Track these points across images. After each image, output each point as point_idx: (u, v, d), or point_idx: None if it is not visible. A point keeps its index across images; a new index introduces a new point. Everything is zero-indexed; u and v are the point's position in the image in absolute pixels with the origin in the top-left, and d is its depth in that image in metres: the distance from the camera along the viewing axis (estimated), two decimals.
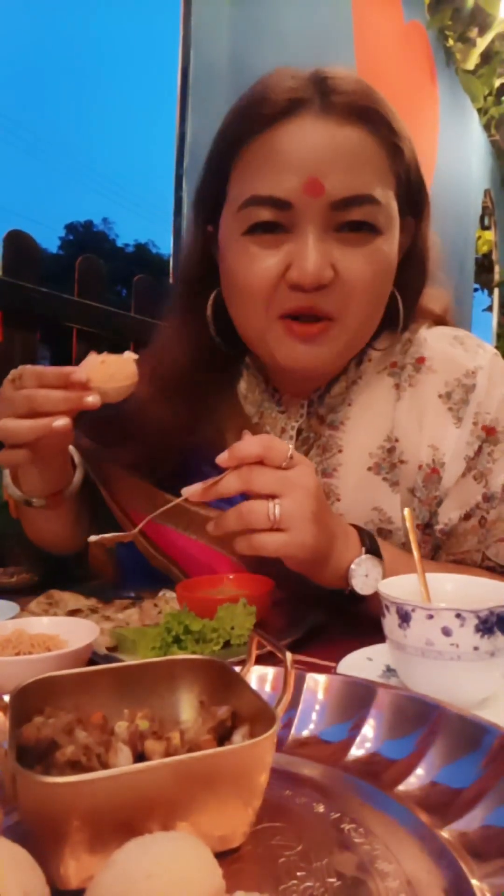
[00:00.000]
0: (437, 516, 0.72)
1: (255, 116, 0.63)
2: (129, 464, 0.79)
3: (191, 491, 0.58)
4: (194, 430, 0.76)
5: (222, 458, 0.57)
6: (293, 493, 0.56)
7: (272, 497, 0.56)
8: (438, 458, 0.70)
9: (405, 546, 0.72)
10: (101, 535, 0.58)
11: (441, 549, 0.74)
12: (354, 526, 0.65)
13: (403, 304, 0.71)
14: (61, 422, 0.62)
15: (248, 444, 0.57)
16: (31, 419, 0.62)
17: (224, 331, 0.73)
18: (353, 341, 0.68)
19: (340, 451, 0.73)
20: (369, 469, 0.72)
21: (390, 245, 0.65)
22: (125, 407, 0.68)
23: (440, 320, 0.79)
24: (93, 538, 0.57)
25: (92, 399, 0.62)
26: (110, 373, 0.64)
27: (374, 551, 0.63)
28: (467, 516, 0.72)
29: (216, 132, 0.69)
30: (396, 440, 0.71)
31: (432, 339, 0.74)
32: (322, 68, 0.65)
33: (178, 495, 0.60)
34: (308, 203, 0.61)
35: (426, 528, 0.73)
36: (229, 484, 0.57)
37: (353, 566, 0.61)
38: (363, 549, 0.63)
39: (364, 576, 0.62)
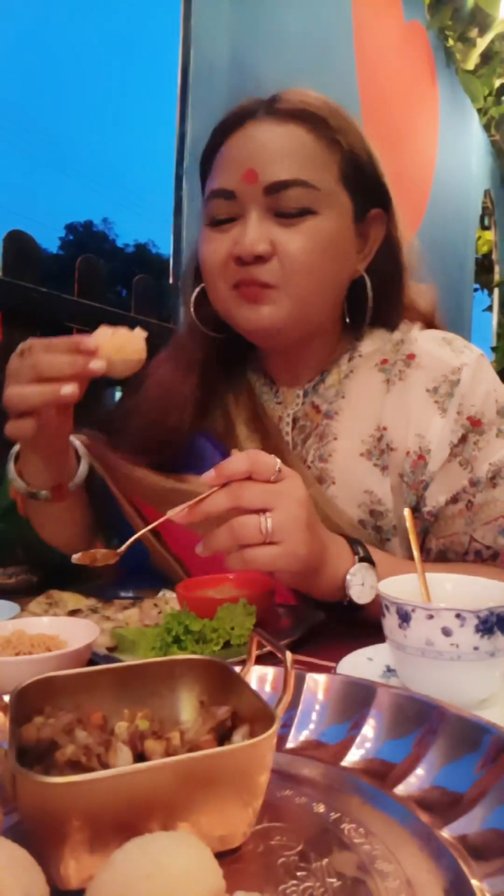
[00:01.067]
0: (425, 500, 0.75)
1: (218, 131, 0.76)
2: (144, 450, 0.81)
3: (175, 512, 0.56)
4: (204, 411, 0.82)
5: (209, 477, 0.55)
6: (284, 505, 0.55)
7: (263, 511, 0.55)
8: (424, 446, 0.75)
9: (396, 529, 0.76)
10: (83, 553, 0.55)
11: (430, 532, 0.77)
12: (343, 535, 0.65)
13: (385, 294, 0.79)
14: (68, 388, 0.63)
15: (236, 461, 0.56)
16: (38, 385, 0.64)
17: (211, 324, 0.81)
18: (301, 306, 0.73)
19: (335, 439, 0.78)
20: (361, 455, 0.77)
21: (330, 223, 0.72)
22: (145, 388, 0.81)
23: (427, 317, 0.84)
24: (76, 557, 0.55)
25: (97, 365, 0.63)
26: (119, 344, 0.64)
27: (366, 559, 0.63)
28: (454, 500, 0.75)
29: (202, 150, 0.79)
30: (385, 429, 0.76)
31: (422, 340, 0.79)
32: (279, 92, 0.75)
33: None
34: (247, 191, 0.71)
35: (415, 511, 0.76)
36: (218, 501, 0.55)
37: (348, 576, 0.62)
38: (356, 558, 0.63)
39: (360, 584, 0.62)
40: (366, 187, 0.75)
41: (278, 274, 0.70)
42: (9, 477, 0.77)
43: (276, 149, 0.70)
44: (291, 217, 0.70)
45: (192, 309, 0.81)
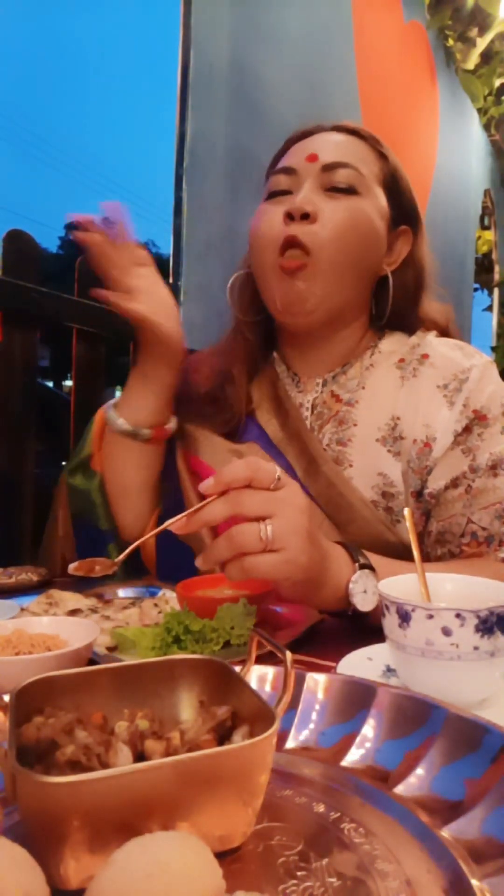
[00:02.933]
0: (427, 484, 0.81)
1: (290, 140, 0.89)
2: (208, 422, 0.90)
3: (173, 522, 0.55)
4: (249, 394, 0.91)
5: (207, 486, 0.55)
6: (284, 513, 0.55)
7: (262, 519, 0.55)
8: (430, 434, 0.80)
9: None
10: (81, 562, 0.55)
11: (431, 516, 0.82)
12: (341, 543, 0.65)
13: (403, 305, 0.88)
14: None
15: (236, 469, 0.55)
16: None
17: (250, 312, 0.91)
18: (329, 285, 0.80)
19: (355, 425, 0.84)
20: (377, 441, 0.83)
21: (367, 207, 0.82)
22: (208, 369, 0.93)
23: (444, 331, 0.92)
24: (73, 567, 0.55)
25: None
26: None
27: (366, 565, 0.63)
28: (454, 484, 0.79)
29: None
30: (398, 419, 0.82)
31: (437, 344, 0.87)
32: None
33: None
34: (307, 168, 0.82)
35: (418, 495, 0.81)
36: (216, 510, 0.55)
37: (351, 584, 0.62)
38: (356, 566, 0.63)
39: (363, 592, 0.62)
40: (400, 203, 0.86)
41: (315, 237, 0.78)
42: (108, 417, 0.86)
43: (338, 143, 0.84)
44: (338, 192, 0.80)
45: (236, 292, 0.91)
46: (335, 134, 0.86)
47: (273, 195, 0.84)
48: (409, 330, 0.90)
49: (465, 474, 0.79)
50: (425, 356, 0.85)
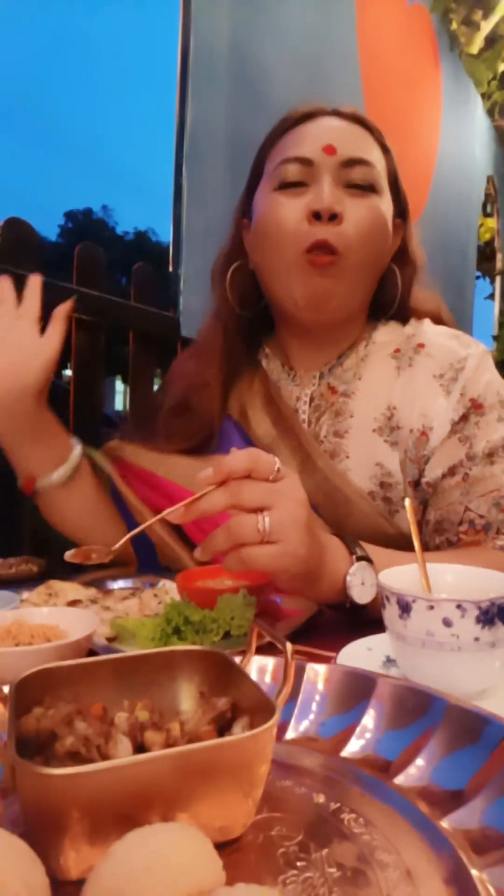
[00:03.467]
0: (425, 473, 0.81)
1: (286, 122, 0.84)
2: (178, 438, 0.88)
3: (171, 511, 0.55)
4: (226, 397, 0.89)
5: (206, 475, 0.55)
6: (283, 505, 0.55)
7: (261, 510, 0.54)
8: (427, 424, 0.81)
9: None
10: (77, 550, 0.55)
11: (429, 505, 0.82)
12: (339, 536, 0.65)
13: (398, 295, 0.88)
14: None
15: (235, 459, 0.55)
16: None
17: (244, 302, 0.89)
18: (353, 282, 0.80)
19: (352, 416, 0.84)
20: (373, 431, 0.83)
21: (384, 205, 0.81)
22: (173, 380, 0.93)
23: (437, 318, 0.91)
24: (69, 554, 0.55)
25: None
26: None
27: (364, 557, 0.63)
28: (451, 472, 0.80)
29: (258, 147, 0.88)
30: (395, 409, 0.82)
31: (432, 333, 0.86)
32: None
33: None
34: (325, 160, 0.79)
35: (416, 485, 0.82)
36: (215, 500, 0.55)
37: (348, 577, 0.61)
38: (354, 558, 0.62)
39: (361, 584, 0.62)
40: (398, 197, 0.86)
41: (344, 238, 0.77)
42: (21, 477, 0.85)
43: (350, 134, 0.81)
44: (360, 189, 0.79)
45: (227, 286, 0.88)
46: (341, 121, 0.83)
47: (286, 185, 0.80)
48: (403, 319, 0.90)
49: (462, 462, 0.79)
50: (421, 346, 0.85)
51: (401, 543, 0.75)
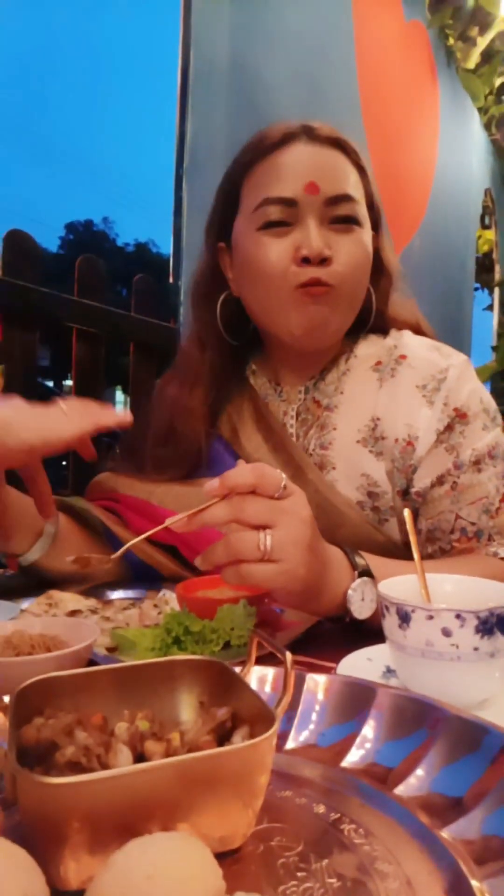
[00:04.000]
0: (413, 482, 0.82)
1: (259, 147, 0.81)
2: (165, 465, 0.87)
3: (174, 521, 0.55)
4: (214, 419, 0.89)
5: (212, 487, 0.54)
6: (286, 523, 0.54)
7: (263, 528, 0.54)
8: (413, 433, 0.81)
9: (394, 510, 0.82)
10: (77, 556, 0.55)
11: (420, 514, 0.83)
12: (340, 547, 0.65)
13: (375, 304, 0.88)
14: None
15: (241, 473, 0.54)
16: None
17: (231, 328, 0.88)
18: (347, 309, 0.81)
19: (335, 429, 0.85)
20: (358, 442, 0.83)
21: (367, 237, 0.82)
22: (157, 406, 0.91)
23: (413, 327, 0.92)
24: (69, 559, 0.55)
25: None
26: None
27: (365, 572, 0.63)
28: (440, 482, 0.80)
29: (228, 166, 0.86)
30: (378, 419, 0.83)
31: (414, 345, 0.87)
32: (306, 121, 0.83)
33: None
34: (308, 200, 0.78)
35: (405, 494, 0.82)
36: (218, 513, 0.54)
37: (350, 593, 0.61)
38: (355, 573, 0.62)
39: (361, 600, 0.61)
40: (373, 213, 0.85)
41: (335, 276, 0.77)
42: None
43: (329, 167, 0.79)
44: (345, 224, 0.79)
45: (218, 317, 0.87)
46: (317, 147, 0.80)
47: (269, 226, 0.79)
48: (382, 331, 0.90)
49: (449, 471, 0.80)
50: (403, 357, 0.85)
51: (392, 551, 0.75)
